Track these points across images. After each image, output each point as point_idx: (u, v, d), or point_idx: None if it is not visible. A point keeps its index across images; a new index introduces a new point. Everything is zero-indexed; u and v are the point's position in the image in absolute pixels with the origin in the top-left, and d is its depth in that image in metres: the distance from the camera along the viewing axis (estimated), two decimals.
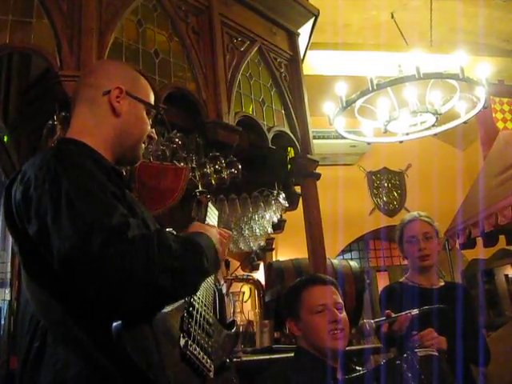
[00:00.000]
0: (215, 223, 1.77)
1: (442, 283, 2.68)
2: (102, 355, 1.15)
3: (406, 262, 2.81)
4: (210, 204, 1.81)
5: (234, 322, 1.59)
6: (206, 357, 1.33)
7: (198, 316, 1.38)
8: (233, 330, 1.56)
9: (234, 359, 2.80)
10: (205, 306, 1.44)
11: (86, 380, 1.16)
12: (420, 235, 2.63)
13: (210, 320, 1.43)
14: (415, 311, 2.22)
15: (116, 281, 1.10)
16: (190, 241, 1.31)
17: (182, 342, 1.25)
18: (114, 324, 1.13)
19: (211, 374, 1.33)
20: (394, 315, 2.22)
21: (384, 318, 2.23)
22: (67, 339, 1.19)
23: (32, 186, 1.24)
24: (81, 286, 1.13)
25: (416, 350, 1.96)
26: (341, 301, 2.14)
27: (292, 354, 2.22)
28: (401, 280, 2.76)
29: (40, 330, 1.23)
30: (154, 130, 1.64)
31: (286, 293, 2.31)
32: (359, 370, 2.06)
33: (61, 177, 1.21)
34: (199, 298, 1.44)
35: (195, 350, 1.29)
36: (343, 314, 2.10)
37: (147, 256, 1.14)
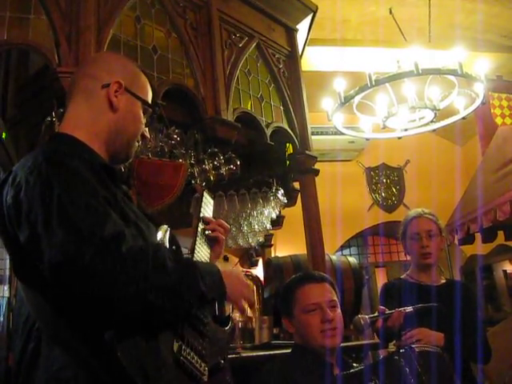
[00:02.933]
0: (210, 213, 1.72)
1: (443, 280, 2.67)
2: (95, 360, 1.14)
3: (407, 258, 2.81)
4: (204, 193, 1.77)
5: (229, 316, 1.56)
6: (199, 360, 1.31)
7: (192, 317, 1.35)
8: (228, 327, 1.54)
9: (233, 355, 2.81)
10: (203, 311, 1.40)
11: (81, 382, 1.15)
12: (423, 233, 2.62)
13: (205, 320, 1.40)
14: (409, 308, 2.24)
15: (106, 293, 1.08)
16: (186, 261, 1.30)
17: (176, 347, 1.23)
18: (106, 333, 1.11)
19: (205, 378, 1.31)
20: (387, 311, 2.24)
21: (377, 314, 2.26)
22: (61, 341, 1.18)
23: (23, 191, 1.21)
24: (70, 293, 1.11)
25: (413, 346, 1.97)
26: (335, 298, 2.12)
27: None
28: (402, 276, 2.76)
29: (35, 331, 1.22)
30: (147, 128, 1.61)
31: (281, 290, 2.31)
32: (356, 367, 2.06)
33: (52, 181, 1.19)
34: None
35: (189, 354, 1.27)
36: (337, 312, 2.08)
37: (139, 271, 1.11)
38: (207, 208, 1.72)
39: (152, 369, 1.15)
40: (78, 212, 1.15)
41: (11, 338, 2.87)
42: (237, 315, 3.81)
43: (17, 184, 1.23)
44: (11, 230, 1.24)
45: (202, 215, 1.66)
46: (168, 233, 1.44)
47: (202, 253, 1.57)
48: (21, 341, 1.25)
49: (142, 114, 1.56)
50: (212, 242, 1.63)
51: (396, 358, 1.89)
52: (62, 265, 1.09)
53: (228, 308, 1.55)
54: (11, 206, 1.23)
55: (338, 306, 2.12)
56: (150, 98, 1.61)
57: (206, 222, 1.65)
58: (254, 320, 4.00)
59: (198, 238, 1.58)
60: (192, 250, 1.53)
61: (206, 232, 1.63)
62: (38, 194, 1.18)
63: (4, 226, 1.26)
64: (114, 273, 1.09)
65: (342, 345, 2.09)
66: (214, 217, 1.72)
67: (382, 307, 2.27)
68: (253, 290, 1.44)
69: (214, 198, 1.81)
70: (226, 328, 1.53)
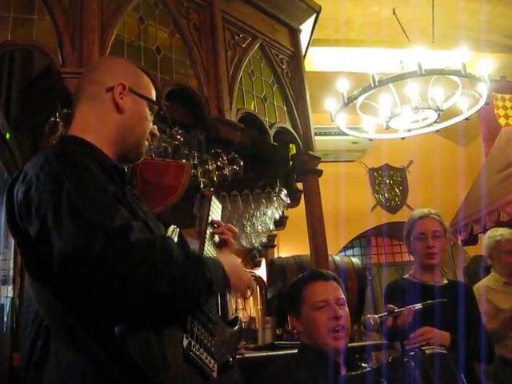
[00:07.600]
0: (219, 217, 1.76)
1: (446, 281, 2.68)
2: (106, 356, 1.15)
3: (410, 258, 2.81)
4: (213, 198, 1.80)
5: (237, 318, 1.58)
6: (209, 357, 1.32)
7: (201, 315, 1.37)
8: (236, 328, 1.56)
9: (237, 356, 2.81)
10: (208, 303, 1.43)
11: (90, 379, 1.16)
12: (430, 233, 2.61)
13: (214, 318, 1.42)
14: (418, 305, 2.22)
15: (116, 282, 1.10)
16: (192, 252, 1.32)
17: (185, 342, 1.25)
18: (117, 327, 1.13)
19: (214, 374, 1.33)
20: (396, 310, 2.23)
21: (387, 312, 2.24)
22: (70, 339, 1.19)
23: (33, 187, 1.23)
24: (80, 286, 1.12)
25: (423, 348, 1.96)
26: (343, 296, 2.13)
27: (294, 351, 2.23)
28: (405, 276, 2.76)
29: (44, 328, 1.23)
30: (155, 126, 1.64)
31: (288, 288, 2.32)
32: (365, 367, 2.05)
33: (62, 177, 1.21)
34: None
35: (198, 350, 1.28)
36: (345, 310, 2.09)
37: (148, 260, 1.13)
38: (215, 212, 1.75)
39: (161, 363, 1.16)
40: (87, 206, 1.17)
41: (15, 338, 2.88)
42: (240, 315, 3.81)
43: (28, 181, 1.26)
44: (22, 227, 1.26)
45: (210, 219, 1.68)
46: (176, 233, 1.47)
47: (211, 255, 1.58)
48: (29, 339, 1.26)
49: (148, 113, 1.58)
50: (220, 244, 1.66)
51: (406, 360, 1.88)
52: (72, 256, 1.11)
53: (232, 309, 1.56)
54: (22, 202, 1.25)
55: (346, 304, 2.12)
56: (154, 97, 1.64)
57: (215, 225, 1.68)
58: (257, 320, 4.01)
59: (206, 241, 1.61)
60: (201, 253, 1.55)
61: (216, 236, 1.66)
62: (48, 189, 1.20)
63: (15, 224, 1.28)
64: (124, 262, 1.10)
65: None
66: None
67: (390, 305, 2.26)
68: (250, 275, 1.46)
69: (221, 203, 1.83)
70: (235, 328, 1.55)
